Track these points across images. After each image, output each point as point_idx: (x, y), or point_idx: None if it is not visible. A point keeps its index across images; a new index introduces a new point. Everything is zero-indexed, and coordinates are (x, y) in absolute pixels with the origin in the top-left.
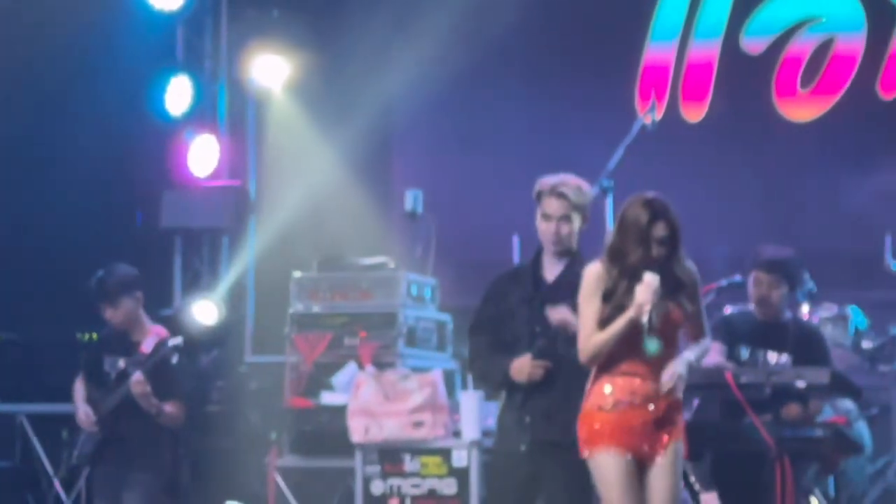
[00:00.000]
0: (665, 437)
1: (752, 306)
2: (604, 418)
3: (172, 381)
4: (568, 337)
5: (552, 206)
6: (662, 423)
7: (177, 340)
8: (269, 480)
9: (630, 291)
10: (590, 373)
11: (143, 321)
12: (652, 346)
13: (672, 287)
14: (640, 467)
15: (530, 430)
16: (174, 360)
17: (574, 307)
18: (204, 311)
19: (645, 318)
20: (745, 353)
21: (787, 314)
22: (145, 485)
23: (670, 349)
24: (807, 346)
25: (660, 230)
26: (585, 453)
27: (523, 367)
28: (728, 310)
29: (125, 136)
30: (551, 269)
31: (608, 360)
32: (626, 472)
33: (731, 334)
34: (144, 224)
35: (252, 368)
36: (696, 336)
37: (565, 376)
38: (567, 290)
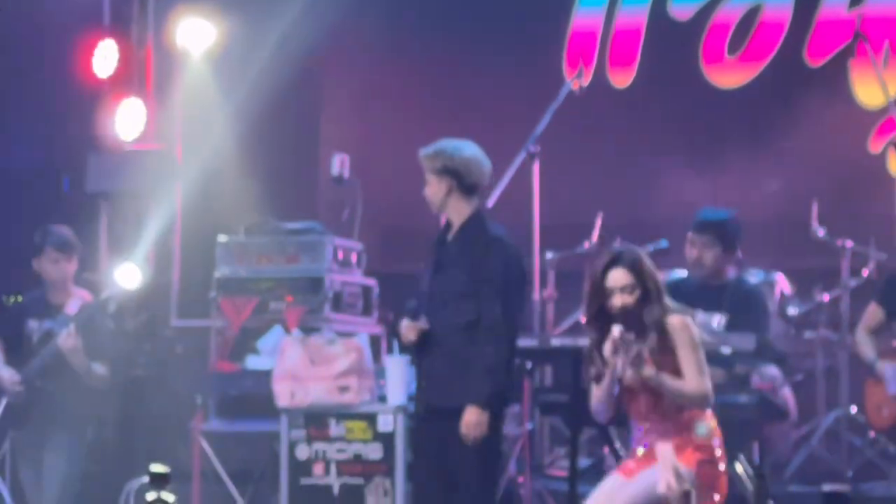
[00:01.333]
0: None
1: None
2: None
3: (101, 340)
4: (450, 304)
5: None
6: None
7: (113, 290)
8: (195, 444)
9: (599, 345)
10: (472, 340)
11: (70, 284)
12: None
13: (637, 334)
14: None
15: (425, 394)
16: (111, 308)
17: (459, 270)
18: (126, 275)
19: (618, 374)
20: None
21: (731, 274)
22: (69, 447)
23: (662, 400)
24: (743, 307)
25: (616, 279)
26: None
27: (402, 328)
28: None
29: (51, 99)
30: (452, 233)
31: None
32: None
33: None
34: (71, 188)
35: (178, 332)
36: None
37: (449, 343)
38: (454, 252)
